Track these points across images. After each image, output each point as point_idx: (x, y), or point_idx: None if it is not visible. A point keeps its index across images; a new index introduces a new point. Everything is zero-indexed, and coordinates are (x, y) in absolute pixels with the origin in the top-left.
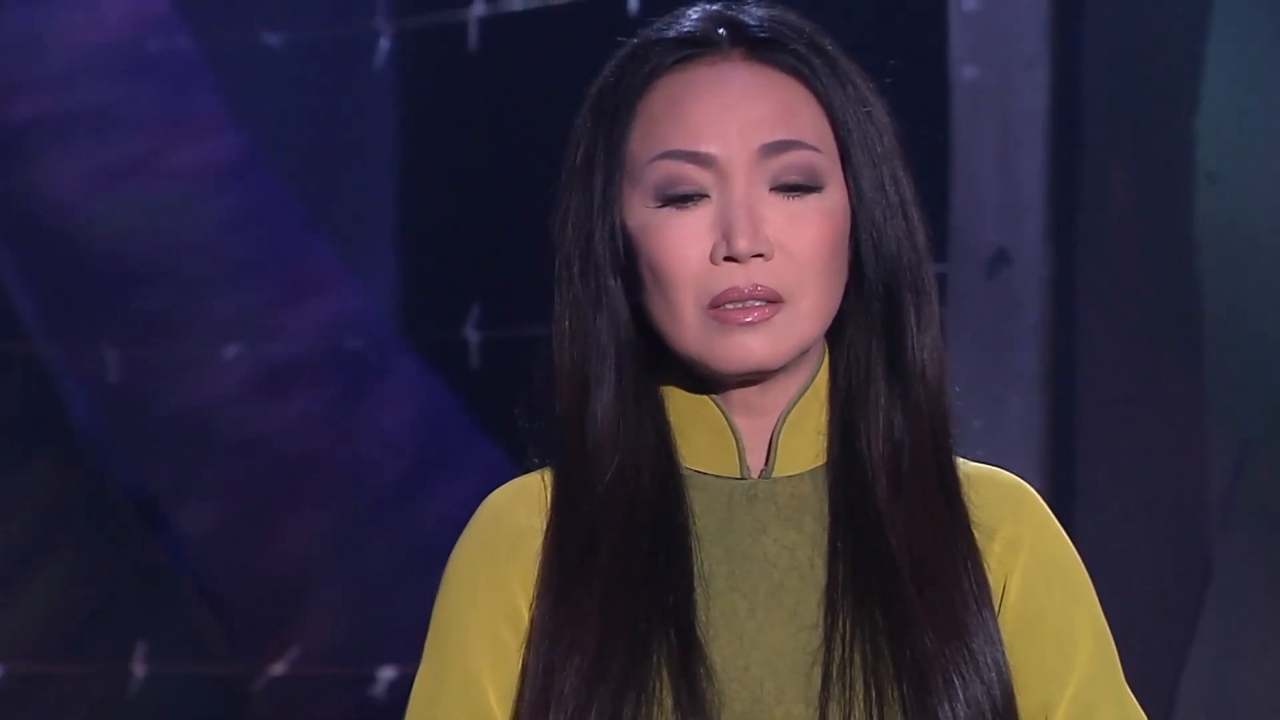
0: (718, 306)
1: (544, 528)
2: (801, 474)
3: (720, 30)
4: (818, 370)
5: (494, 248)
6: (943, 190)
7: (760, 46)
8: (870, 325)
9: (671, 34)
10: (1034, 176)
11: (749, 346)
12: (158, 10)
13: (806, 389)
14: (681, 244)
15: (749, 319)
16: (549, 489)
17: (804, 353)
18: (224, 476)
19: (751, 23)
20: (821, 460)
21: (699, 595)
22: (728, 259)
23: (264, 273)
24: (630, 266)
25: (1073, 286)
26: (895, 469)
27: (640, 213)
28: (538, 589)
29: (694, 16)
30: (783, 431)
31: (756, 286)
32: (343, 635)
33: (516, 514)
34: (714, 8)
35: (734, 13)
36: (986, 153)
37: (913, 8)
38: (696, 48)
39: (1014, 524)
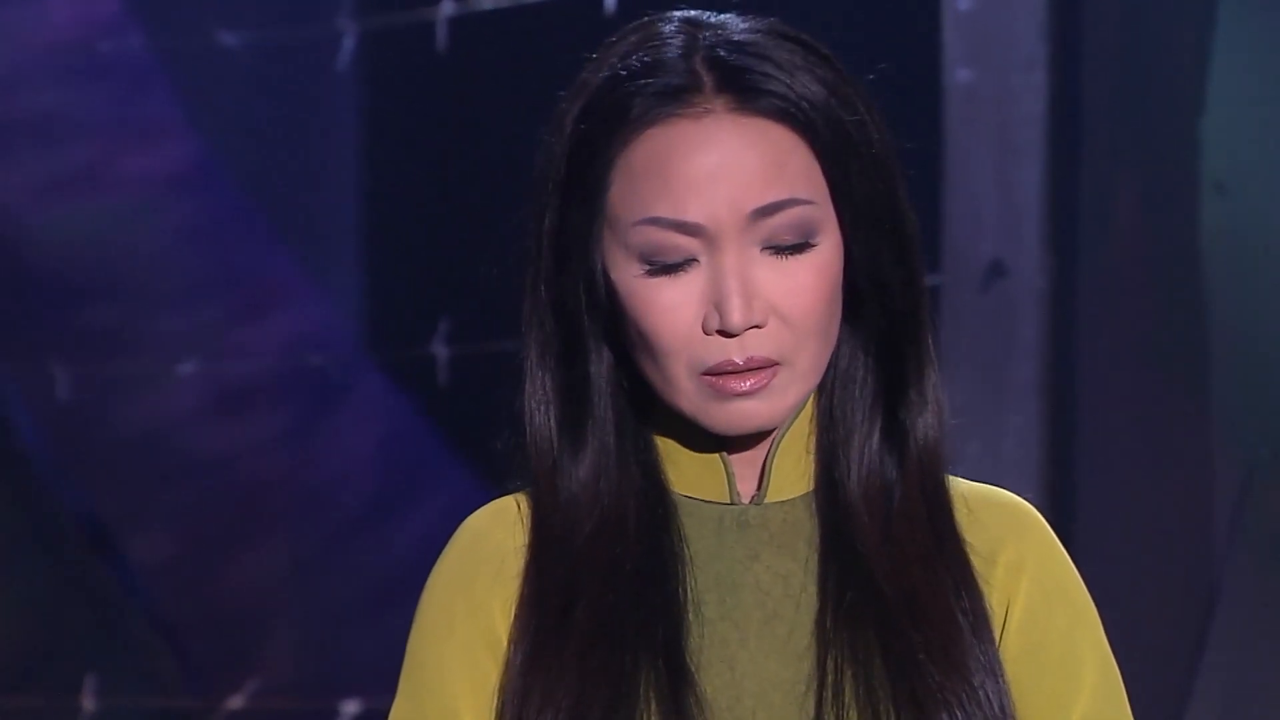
0: (713, 374)
1: (525, 552)
2: (794, 499)
3: (700, 72)
4: (805, 402)
5: (463, 259)
6: (936, 199)
7: (746, 94)
8: (863, 355)
9: (651, 84)
10: (1031, 184)
11: (747, 412)
12: (108, 10)
13: (798, 414)
14: (671, 313)
15: (745, 387)
16: (527, 515)
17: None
18: (179, 501)
19: (734, 61)
20: (811, 485)
21: (689, 620)
22: (721, 331)
23: (221, 286)
24: (616, 318)
25: (1072, 300)
26: (879, 503)
27: (626, 274)
28: (513, 636)
29: (672, 53)
30: (776, 457)
31: (752, 358)
32: (303, 667)
33: (496, 536)
34: (691, 16)
35: (714, 37)
36: (982, 160)
37: (904, 8)
38: (679, 103)
39: (1016, 546)
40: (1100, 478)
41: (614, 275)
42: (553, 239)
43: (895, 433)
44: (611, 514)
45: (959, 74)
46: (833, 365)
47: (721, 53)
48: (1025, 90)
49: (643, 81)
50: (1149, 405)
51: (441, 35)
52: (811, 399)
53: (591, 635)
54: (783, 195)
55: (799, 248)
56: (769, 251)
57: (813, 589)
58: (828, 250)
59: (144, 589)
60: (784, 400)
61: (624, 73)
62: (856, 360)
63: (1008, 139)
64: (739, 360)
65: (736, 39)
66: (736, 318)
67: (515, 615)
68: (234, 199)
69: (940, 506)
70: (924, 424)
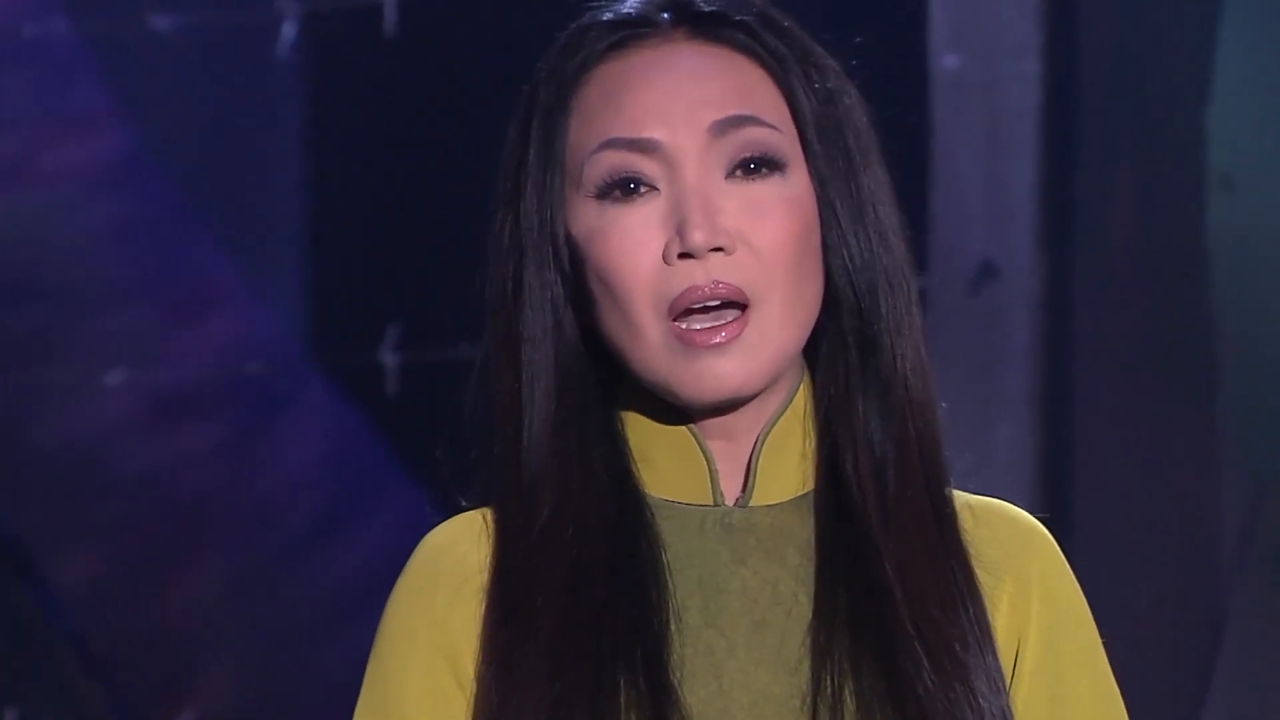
0: (679, 317)
1: (491, 566)
2: (783, 503)
3: (661, 10)
4: (797, 387)
5: (414, 260)
6: (921, 195)
7: (706, 22)
8: (844, 336)
9: (607, 17)
10: (1024, 179)
11: (719, 374)
12: None
13: (785, 408)
14: (631, 246)
15: (716, 340)
16: (492, 527)
17: (785, 365)
18: (107, 518)
19: (700, 1)
20: (806, 488)
21: (671, 627)
22: (684, 256)
23: (153, 288)
24: (578, 281)
25: (1068, 303)
26: (883, 493)
27: (583, 215)
28: (480, 657)
29: (634, 2)
30: (762, 455)
31: (718, 284)
32: (242, 697)
33: (459, 551)
34: None
35: None
36: (971, 153)
37: None
38: (634, 29)
39: (1025, 563)
40: (1098, 493)
41: (574, 229)
42: (513, 204)
43: (888, 416)
44: (573, 503)
45: (946, 61)
46: (821, 360)
47: None
48: (1017, 78)
49: (598, 22)
50: (1150, 415)
51: (390, 18)
52: (804, 395)
53: (563, 652)
54: (745, 111)
55: (765, 169)
56: (735, 179)
57: (804, 598)
58: (798, 184)
59: (69, 613)
60: (759, 357)
61: (582, 23)
62: (839, 351)
63: (998, 130)
64: (704, 286)
65: None
66: (698, 235)
67: (481, 634)
68: (167, 194)
69: (941, 501)
70: (916, 400)
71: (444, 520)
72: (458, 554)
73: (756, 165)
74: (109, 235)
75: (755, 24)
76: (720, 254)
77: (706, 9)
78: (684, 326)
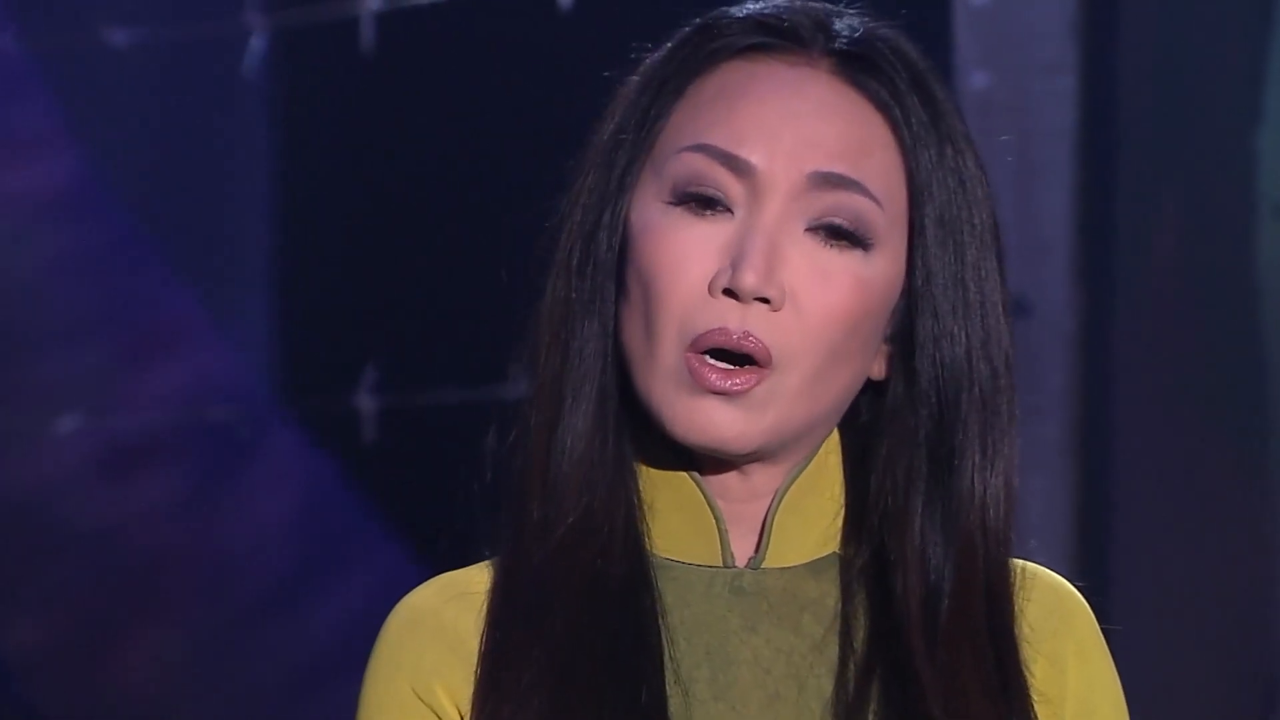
0: (699, 351)
1: (485, 626)
2: (798, 566)
3: (815, 29)
4: (816, 450)
5: (393, 295)
6: None
7: (853, 62)
8: (916, 445)
9: (756, 13)
10: (1058, 208)
11: (714, 419)
12: None
13: (806, 465)
14: (681, 259)
15: (725, 386)
16: (491, 582)
17: (788, 438)
18: (58, 579)
19: (850, 34)
20: (824, 551)
21: (677, 701)
22: (728, 292)
23: (107, 326)
24: (622, 273)
25: (1106, 342)
26: (933, 624)
27: (650, 207)
28: (475, 700)
29: (790, 6)
30: (778, 513)
31: (748, 336)
32: None
33: (445, 614)
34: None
35: (835, 16)
36: (1000, 178)
37: (910, 2)
38: (780, 38)
39: (1062, 637)
40: (1139, 549)
41: (634, 215)
42: (596, 176)
43: (956, 543)
44: (598, 511)
45: (974, 79)
46: (880, 459)
47: (837, 25)
48: (1051, 98)
49: (746, 16)
50: (1196, 465)
51: (366, 33)
52: (832, 455)
53: (563, 682)
54: (854, 175)
55: (847, 243)
56: (816, 236)
57: (822, 670)
58: (879, 268)
59: (16, 682)
60: (760, 420)
61: (730, 11)
62: (905, 454)
63: (1031, 154)
64: (734, 330)
65: (857, 23)
66: (750, 278)
67: (473, 707)
68: (122, 223)
69: (1008, 643)
70: (993, 532)
71: (424, 579)
72: (443, 617)
73: (840, 234)
74: (59, 268)
75: (903, 84)
76: (764, 306)
77: (857, 50)
78: (700, 359)
